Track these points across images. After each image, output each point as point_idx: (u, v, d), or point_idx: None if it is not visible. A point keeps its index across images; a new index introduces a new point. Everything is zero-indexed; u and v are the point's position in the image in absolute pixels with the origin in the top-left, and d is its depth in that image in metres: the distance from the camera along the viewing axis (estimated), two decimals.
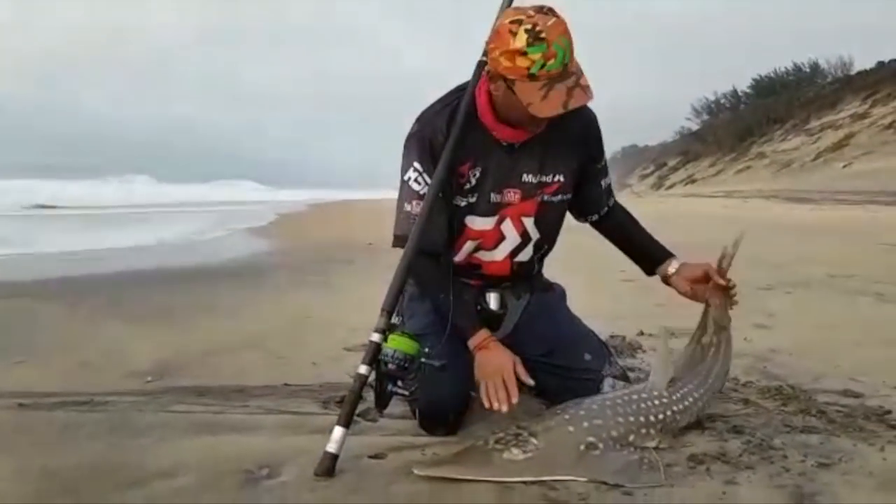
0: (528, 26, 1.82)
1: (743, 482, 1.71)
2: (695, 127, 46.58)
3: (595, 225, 2.40)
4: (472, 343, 2.06)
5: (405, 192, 2.12)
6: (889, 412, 2.21)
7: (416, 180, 2.10)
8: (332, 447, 1.79)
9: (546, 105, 1.87)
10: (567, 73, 1.87)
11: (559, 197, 2.21)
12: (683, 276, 2.29)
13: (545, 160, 2.16)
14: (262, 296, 4.87)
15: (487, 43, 1.96)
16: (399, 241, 2.12)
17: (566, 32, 1.86)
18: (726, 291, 2.30)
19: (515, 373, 1.99)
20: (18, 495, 1.69)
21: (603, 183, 2.33)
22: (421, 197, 2.08)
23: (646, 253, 2.36)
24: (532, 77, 1.85)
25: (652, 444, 1.92)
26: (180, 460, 1.88)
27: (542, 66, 1.83)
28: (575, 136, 2.18)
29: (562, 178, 2.19)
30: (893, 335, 3.34)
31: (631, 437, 1.90)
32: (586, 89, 1.89)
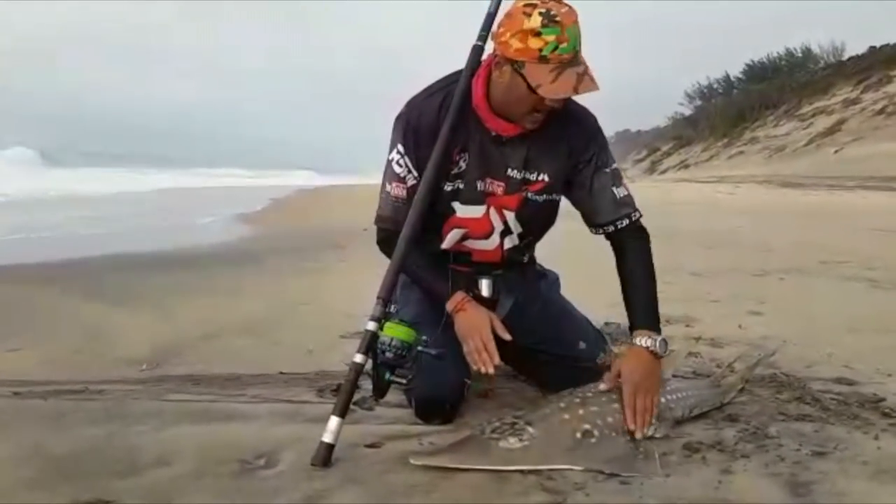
0: (543, 10, 1.84)
1: (738, 471, 1.72)
2: (688, 112, 46.57)
3: (609, 240, 2.23)
4: (449, 306, 2.09)
5: (388, 172, 2.16)
6: (883, 399, 2.22)
7: (398, 162, 2.13)
8: (327, 437, 1.78)
9: (556, 87, 1.86)
10: (577, 60, 1.87)
11: (544, 197, 2.17)
12: (617, 363, 2.04)
13: (530, 157, 2.12)
14: (256, 282, 4.85)
15: (497, 27, 1.96)
16: (380, 219, 2.18)
17: (577, 22, 1.87)
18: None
19: (495, 331, 2.02)
20: (13, 483, 1.68)
21: (615, 192, 2.17)
22: (400, 179, 2.12)
23: (631, 308, 2.14)
24: (543, 59, 1.85)
25: (647, 432, 1.92)
26: (176, 449, 1.87)
27: (555, 48, 1.84)
28: (565, 136, 2.14)
29: (546, 178, 2.14)
30: (886, 322, 3.36)
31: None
32: (593, 80, 1.88)
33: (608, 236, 2.21)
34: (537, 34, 1.83)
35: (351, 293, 3.84)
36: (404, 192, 2.12)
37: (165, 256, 6.27)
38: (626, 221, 2.18)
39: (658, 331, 2.06)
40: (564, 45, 1.84)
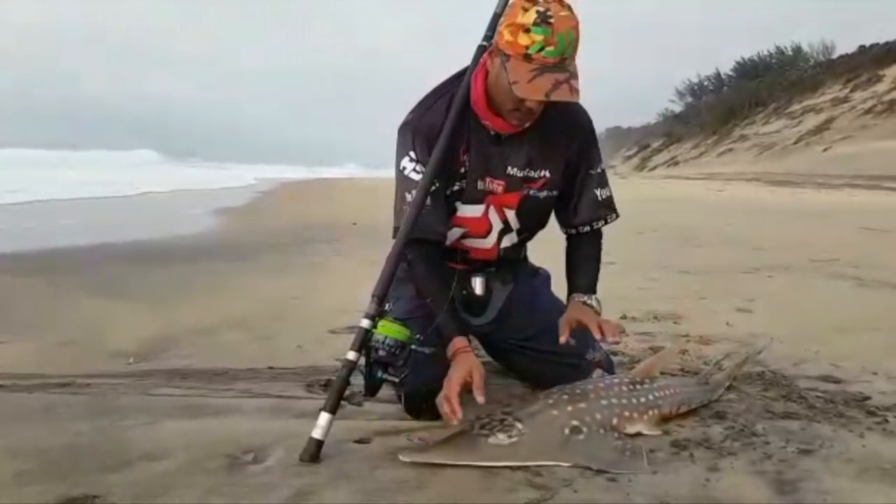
0: (541, 8, 1.82)
1: (725, 468, 1.73)
2: (678, 109, 46.75)
3: (575, 238, 2.29)
4: (448, 351, 2.02)
5: (404, 182, 2.09)
6: (868, 398, 2.24)
7: (413, 170, 2.08)
8: (317, 433, 1.78)
9: (530, 88, 1.85)
10: (562, 67, 1.85)
11: (545, 193, 2.18)
12: (564, 318, 2.15)
13: (532, 156, 2.13)
14: (244, 276, 4.84)
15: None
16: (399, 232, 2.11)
17: (575, 29, 1.85)
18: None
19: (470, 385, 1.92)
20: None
21: (599, 193, 2.22)
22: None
23: (574, 281, 2.26)
24: (527, 57, 1.84)
25: (635, 429, 1.93)
26: (164, 444, 1.87)
27: (541, 49, 1.82)
28: (563, 135, 2.16)
29: (547, 174, 2.16)
30: (873, 321, 3.38)
31: (615, 421, 1.91)
32: (574, 90, 1.86)
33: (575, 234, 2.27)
34: (527, 31, 1.82)
35: (341, 288, 3.84)
36: (426, 199, 2.03)
37: (154, 249, 6.24)
38: (601, 223, 2.25)
39: (594, 293, 2.22)
40: (551, 48, 1.82)
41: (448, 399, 1.89)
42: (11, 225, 8.35)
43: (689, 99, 47.07)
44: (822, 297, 4.16)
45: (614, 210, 2.27)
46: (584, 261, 2.27)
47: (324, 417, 1.80)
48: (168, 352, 2.85)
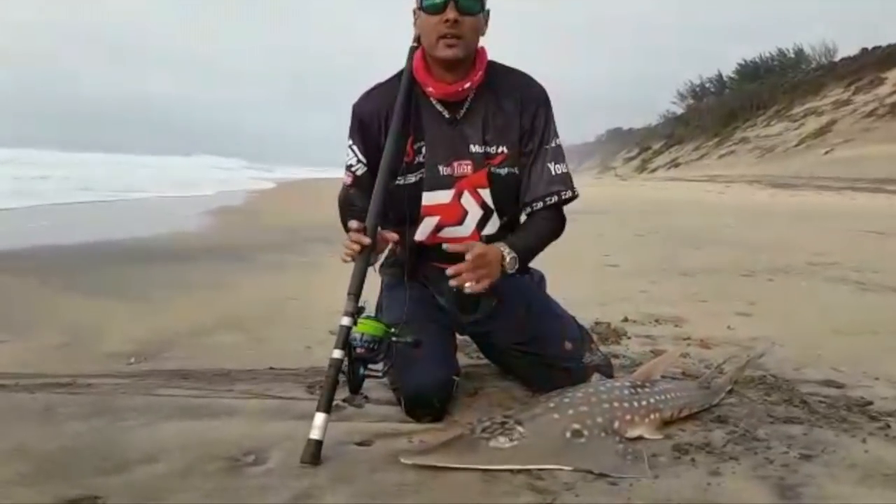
0: None
1: (727, 473, 1.72)
2: (679, 111, 46.75)
3: (530, 215, 2.24)
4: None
5: (346, 162, 2.29)
6: (870, 403, 2.23)
7: (347, 154, 2.27)
8: (315, 434, 1.78)
9: None
10: None
11: (506, 170, 2.20)
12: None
13: (488, 131, 2.18)
14: (241, 276, 4.83)
15: None
16: (339, 199, 2.38)
17: None
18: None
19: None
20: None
21: (553, 168, 2.19)
22: (348, 168, 2.28)
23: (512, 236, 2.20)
24: None
25: (636, 432, 1.93)
26: (164, 445, 1.86)
27: None
28: (515, 107, 2.19)
29: (505, 150, 2.19)
30: (874, 325, 3.37)
31: (616, 425, 1.91)
32: None
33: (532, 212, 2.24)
34: None
35: (339, 288, 3.81)
36: (350, 180, 2.28)
37: (153, 248, 6.24)
38: (555, 199, 2.20)
39: (518, 254, 2.07)
40: None
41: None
42: (13, 226, 8.36)
43: (691, 101, 47.09)
44: (823, 300, 4.16)
45: (570, 187, 2.21)
46: (529, 229, 2.22)
47: (319, 417, 1.79)
48: (166, 352, 2.84)
